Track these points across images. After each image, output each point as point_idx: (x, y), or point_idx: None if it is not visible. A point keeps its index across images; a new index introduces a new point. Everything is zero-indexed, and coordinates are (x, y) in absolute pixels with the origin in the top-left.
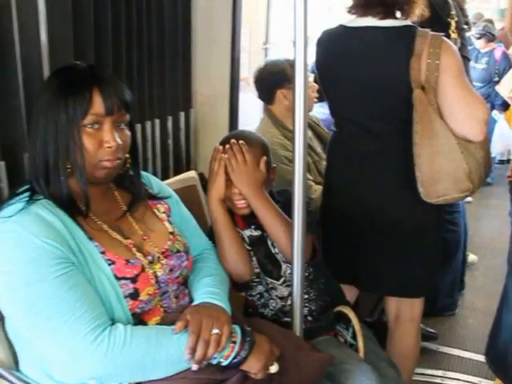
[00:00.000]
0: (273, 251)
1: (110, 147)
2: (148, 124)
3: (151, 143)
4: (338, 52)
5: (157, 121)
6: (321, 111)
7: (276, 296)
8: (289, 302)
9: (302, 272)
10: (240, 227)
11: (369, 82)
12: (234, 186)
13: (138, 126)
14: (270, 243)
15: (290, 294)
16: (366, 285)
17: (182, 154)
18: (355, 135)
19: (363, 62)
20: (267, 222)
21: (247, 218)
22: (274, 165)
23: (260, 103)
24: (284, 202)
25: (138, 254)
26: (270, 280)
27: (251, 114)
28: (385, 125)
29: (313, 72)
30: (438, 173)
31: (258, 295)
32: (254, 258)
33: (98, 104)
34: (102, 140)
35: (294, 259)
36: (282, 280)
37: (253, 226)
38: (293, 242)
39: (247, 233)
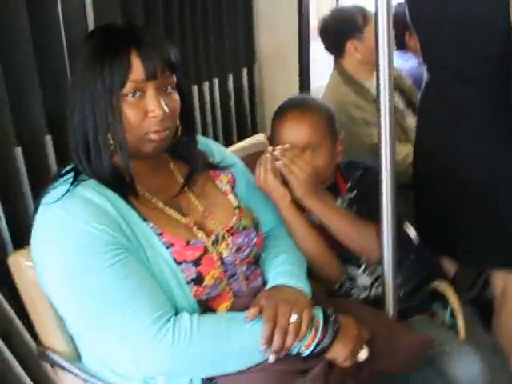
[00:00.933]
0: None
1: (155, 117)
2: (206, 85)
3: (210, 106)
4: None
5: (215, 80)
6: (398, 63)
7: (358, 285)
8: (373, 293)
9: (394, 245)
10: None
11: (461, 18)
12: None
13: (195, 88)
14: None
15: (374, 283)
16: (466, 257)
17: (246, 116)
18: (448, 83)
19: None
20: (331, 224)
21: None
22: (341, 136)
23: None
24: (358, 176)
25: (200, 234)
26: (349, 267)
27: (325, 66)
28: (480, 69)
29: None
30: None
31: (338, 285)
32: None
33: (137, 68)
34: (146, 109)
35: (384, 235)
36: (362, 268)
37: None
38: (382, 216)
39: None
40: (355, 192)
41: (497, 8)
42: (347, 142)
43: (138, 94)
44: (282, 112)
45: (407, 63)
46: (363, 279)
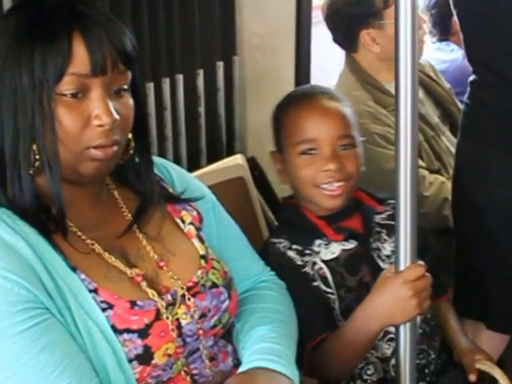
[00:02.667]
0: (382, 266)
1: (101, 125)
2: (166, 83)
3: (171, 113)
4: None
5: (179, 77)
6: (439, 57)
7: (376, 358)
8: (392, 364)
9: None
10: (330, 237)
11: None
12: (325, 158)
13: (150, 87)
14: (376, 256)
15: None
16: (503, 323)
17: (220, 129)
18: (484, 86)
19: None
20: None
21: (336, 221)
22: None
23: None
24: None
25: (151, 292)
26: None
27: (332, 62)
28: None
29: None
30: None
31: None
32: (339, 294)
33: (80, 58)
34: (88, 115)
35: None
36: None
37: (346, 234)
38: (398, 264)
39: (337, 247)
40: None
41: None
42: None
43: (79, 93)
44: (303, 99)
45: (450, 55)
46: (382, 347)
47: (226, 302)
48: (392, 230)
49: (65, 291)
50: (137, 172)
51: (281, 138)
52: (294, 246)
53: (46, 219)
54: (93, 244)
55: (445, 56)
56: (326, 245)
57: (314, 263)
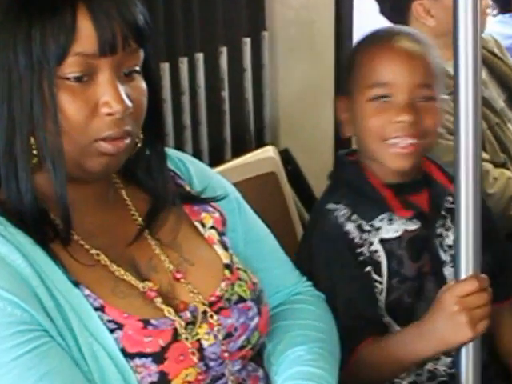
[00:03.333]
0: (443, 257)
1: (111, 114)
2: (183, 63)
3: (189, 98)
4: None
5: (199, 56)
6: (503, 32)
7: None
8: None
9: None
10: (397, 212)
11: None
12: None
13: (165, 68)
14: (438, 244)
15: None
16: None
17: (247, 116)
18: None
19: None
20: None
21: (403, 194)
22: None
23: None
24: None
25: (166, 309)
26: None
27: None
28: None
29: None
30: None
31: None
32: (390, 284)
33: (86, 35)
34: (96, 102)
35: None
36: None
37: (415, 212)
38: (457, 274)
39: (401, 226)
40: None
41: None
42: None
43: (84, 76)
44: (384, 37)
45: None
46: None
47: (256, 319)
48: None
49: (66, 310)
50: (148, 167)
51: (351, 81)
52: (354, 217)
53: (45, 225)
54: (98, 254)
55: (510, 30)
56: (390, 220)
57: (371, 243)
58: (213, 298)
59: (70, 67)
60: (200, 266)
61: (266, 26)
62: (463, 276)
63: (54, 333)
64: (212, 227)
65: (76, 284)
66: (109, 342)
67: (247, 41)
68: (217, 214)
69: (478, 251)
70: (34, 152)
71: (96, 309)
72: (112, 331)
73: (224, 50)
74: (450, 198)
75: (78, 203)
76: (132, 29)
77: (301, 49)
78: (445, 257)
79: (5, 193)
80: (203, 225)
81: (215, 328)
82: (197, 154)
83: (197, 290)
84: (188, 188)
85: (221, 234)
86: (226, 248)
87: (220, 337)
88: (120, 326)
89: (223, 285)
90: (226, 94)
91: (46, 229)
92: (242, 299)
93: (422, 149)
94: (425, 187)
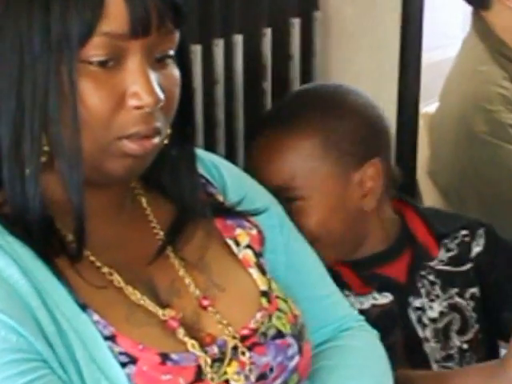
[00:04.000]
0: (421, 334)
1: (140, 107)
2: (218, 46)
3: (224, 88)
4: None
5: (238, 38)
6: None
7: None
8: None
9: None
10: (356, 290)
11: None
12: None
13: (196, 51)
14: (416, 319)
15: None
16: None
17: None
18: None
19: None
20: None
21: (368, 266)
22: (375, 160)
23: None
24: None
25: (190, 342)
26: None
27: (452, 23)
28: None
29: None
30: None
31: None
32: None
33: (116, 11)
34: (122, 92)
35: None
36: None
37: (380, 282)
38: None
39: (368, 301)
40: (455, 253)
41: None
42: (486, 174)
43: (109, 61)
44: (256, 130)
45: None
46: None
47: (296, 359)
48: (453, 280)
49: (70, 337)
50: (174, 171)
51: None
52: None
53: (51, 237)
54: (111, 273)
55: None
56: (356, 295)
57: None
58: (245, 332)
59: (95, 49)
60: (232, 293)
61: (319, 4)
62: None
63: (54, 364)
64: (248, 246)
65: (84, 307)
66: (120, 378)
67: (296, 22)
68: (254, 231)
69: None
70: (45, 149)
71: (106, 338)
72: (124, 365)
73: (268, 31)
74: (437, 260)
75: (90, 212)
76: (169, 6)
77: (359, 33)
78: (424, 333)
79: (8, 196)
80: (237, 243)
81: (247, 367)
82: (231, 157)
83: (227, 321)
84: (221, 198)
85: (258, 254)
86: (263, 272)
87: (252, 378)
88: (134, 360)
89: (259, 316)
90: (268, 85)
91: (53, 241)
92: (280, 334)
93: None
94: (406, 249)
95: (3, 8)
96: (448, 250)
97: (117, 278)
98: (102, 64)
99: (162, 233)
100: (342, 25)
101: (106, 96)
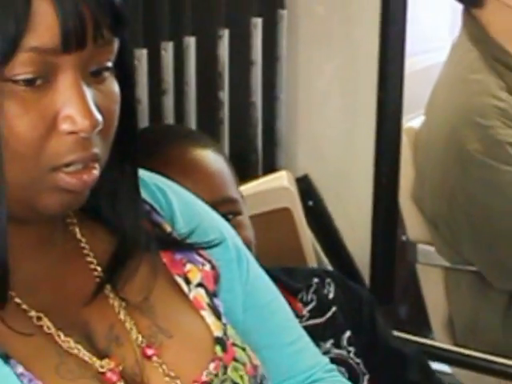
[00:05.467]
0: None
1: (74, 133)
2: (167, 49)
3: (174, 98)
4: None
5: (190, 40)
6: None
7: None
8: None
9: None
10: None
11: None
12: None
13: (141, 56)
14: (346, 341)
15: None
16: None
17: (253, 129)
18: None
19: None
20: None
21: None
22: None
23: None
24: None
25: None
26: None
27: (439, 24)
28: None
29: None
30: None
31: None
32: None
33: (45, 22)
34: (53, 115)
35: None
36: None
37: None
38: None
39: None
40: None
41: None
42: (479, 198)
43: (38, 79)
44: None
45: None
46: None
47: None
48: (323, 333)
49: None
50: (112, 197)
51: None
52: None
53: None
54: (39, 318)
55: None
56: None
57: None
58: None
59: (21, 67)
60: (181, 340)
61: (285, 2)
62: None
63: None
64: (200, 285)
65: (6, 358)
66: None
67: (258, 22)
68: (207, 267)
69: None
70: None
71: None
72: None
73: (225, 33)
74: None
75: (14, 249)
76: (107, 11)
77: (332, 35)
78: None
79: None
80: (188, 281)
81: None
82: None
83: (174, 374)
84: (169, 228)
85: (212, 294)
86: (218, 315)
87: None
88: None
89: (212, 367)
90: (225, 95)
91: None
92: None
93: None
94: None
95: None
96: (306, 304)
97: (46, 323)
98: (30, 83)
99: (99, 269)
100: (311, 25)
101: (34, 120)
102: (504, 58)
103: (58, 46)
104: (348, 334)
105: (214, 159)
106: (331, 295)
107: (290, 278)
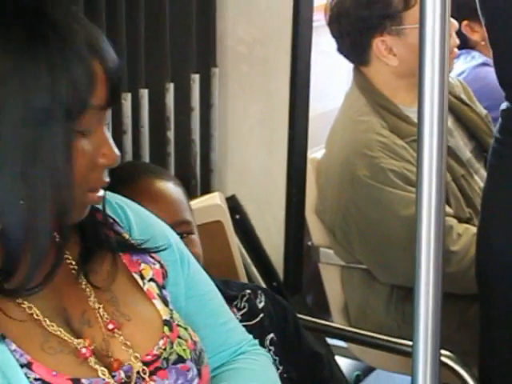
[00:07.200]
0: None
1: (109, 165)
2: (126, 99)
3: (131, 137)
4: None
5: (143, 92)
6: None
7: None
8: None
9: None
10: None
11: None
12: None
13: None
14: (269, 342)
15: None
16: None
17: (193, 159)
18: None
19: None
20: None
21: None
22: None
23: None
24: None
25: (100, 369)
26: None
27: (335, 78)
28: None
29: None
30: None
31: None
32: None
33: (100, 85)
34: (96, 154)
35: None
36: None
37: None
38: (416, 349)
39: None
40: (246, 310)
41: None
42: (367, 213)
43: (90, 129)
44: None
45: (469, 63)
46: None
47: (195, 381)
48: (251, 333)
49: None
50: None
51: None
52: None
53: None
54: (30, 308)
55: (462, 65)
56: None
57: None
58: (149, 357)
59: (88, 121)
60: (137, 322)
61: (217, 62)
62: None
63: None
64: (152, 279)
65: (2, 338)
66: None
67: (196, 77)
68: (157, 266)
69: (439, 318)
70: None
71: (22, 365)
72: None
73: (171, 86)
74: None
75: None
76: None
77: (253, 87)
78: None
79: None
80: (142, 277)
81: None
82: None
83: (132, 348)
84: (127, 236)
85: (161, 287)
86: (166, 303)
87: None
88: None
89: (161, 343)
90: (171, 134)
91: None
92: (181, 359)
93: None
94: None
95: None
96: (239, 310)
97: (36, 312)
98: (87, 133)
99: (74, 263)
100: (237, 80)
101: (87, 158)
102: (385, 104)
103: (105, 103)
104: (271, 336)
105: (174, 190)
106: (261, 305)
107: (227, 288)
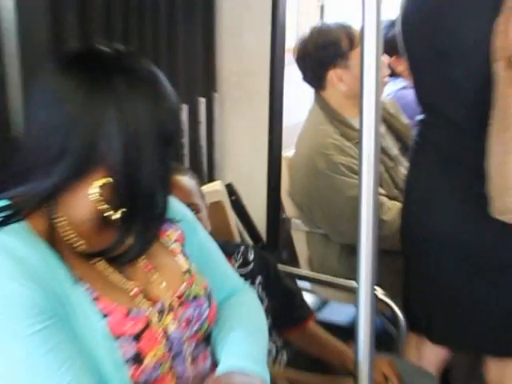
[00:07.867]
0: (259, 289)
1: None
2: None
3: None
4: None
5: None
6: (398, 94)
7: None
8: None
9: (373, 329)
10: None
11: (436, 46)
12: None
13: None
14: (257, 282)
15: None
16: (443, 337)
17: (201, 158)
18: (431, 125)
19: (434, 19)
20: None
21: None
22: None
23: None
24: (243, 251)
25: (144, 302)
26: None
27: (303, 99)
28: (456, 110)
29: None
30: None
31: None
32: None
33: None
34: None
35: (361, 312)
36: None
37: (238, 259)
38: (359, 287)
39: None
40: (241, 261)
41: (475, 37)
42: (324, 194)
43: None
44: None
45: (395, 87)
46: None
47: (207, 311)
48: (244, 277)
49: (71, 299)
50: None
51: None
52: None
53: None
54: (98, 260)
55: (390, 88)
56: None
57: None
58: (177, 295)
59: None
60: (167, 271)
61: (217, 88)
62: (363, 284)
63: (61, 316)
64: (175, 241)
65: (78, 279)
66: (100, 326)
67: (202, 100)
68: (178, 232)
69: (376, 265)
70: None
71: (92, 299)
72: (103, 317)
73: (185, 107)
74: None
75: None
76: None
77: (242, 107)
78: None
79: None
80: (168, 239)
81: (178, 318)
82: None
83: (166, 288)
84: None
85: (182, 246)
86: (186, 257)
87: (182, 324)
88: (110, 313)
89: (183, 286)
90: (186, 140)
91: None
92: (197, 296)
93: None
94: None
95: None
96: (236, 261)
97: (101, 264)
98: None
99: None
100: (231, 101)
101: None
102: (337, 116)
103: None
104: (259, 279)
105: (188, 181)
106: (251, 257)
107: (227, 247)
